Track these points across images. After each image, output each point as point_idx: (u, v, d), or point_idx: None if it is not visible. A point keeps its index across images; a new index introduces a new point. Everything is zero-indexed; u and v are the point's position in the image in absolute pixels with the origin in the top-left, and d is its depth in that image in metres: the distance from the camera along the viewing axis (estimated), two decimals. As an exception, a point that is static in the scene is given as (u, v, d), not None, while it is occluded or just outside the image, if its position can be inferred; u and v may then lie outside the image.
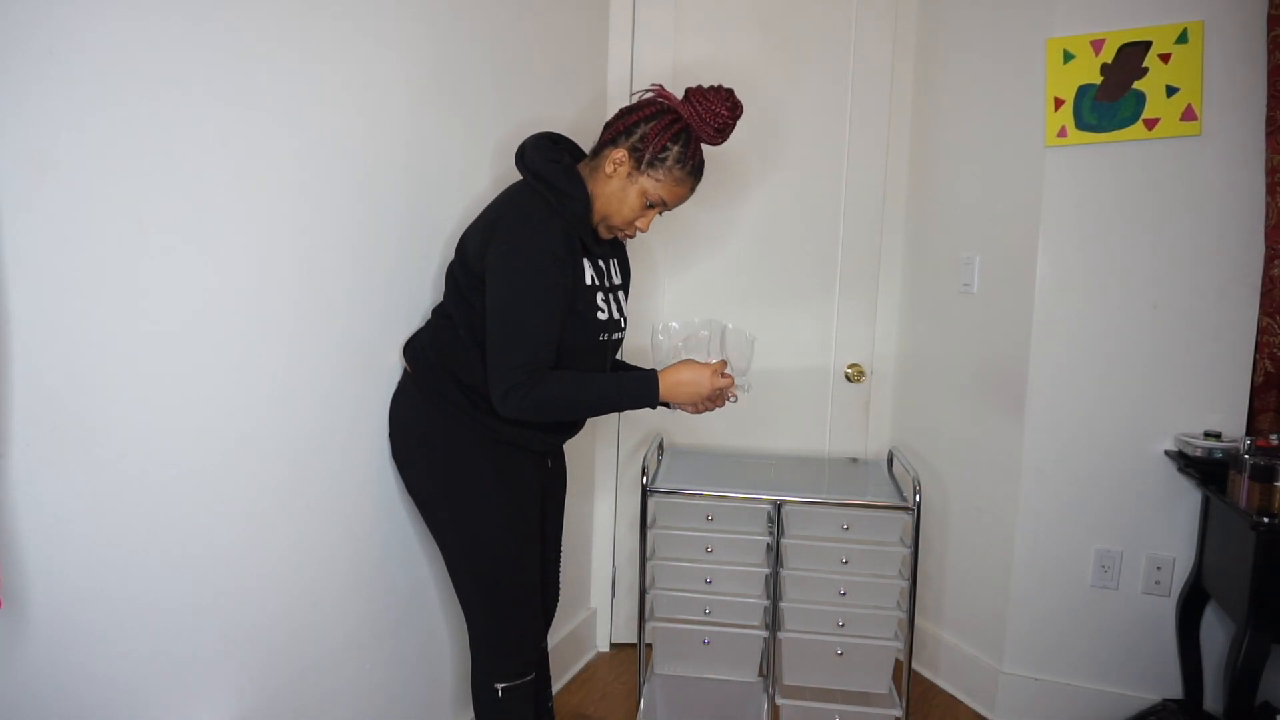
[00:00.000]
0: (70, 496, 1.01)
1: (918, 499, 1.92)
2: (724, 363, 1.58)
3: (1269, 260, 1.92)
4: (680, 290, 2.51)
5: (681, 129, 1.49)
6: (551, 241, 1.44)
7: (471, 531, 1.54)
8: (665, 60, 2.43)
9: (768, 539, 2.01)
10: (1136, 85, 1.97)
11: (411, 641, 1.72)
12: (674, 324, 1.68)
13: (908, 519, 1.96)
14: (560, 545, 1.82)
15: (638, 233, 1.58)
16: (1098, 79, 2.00)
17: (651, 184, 1.51)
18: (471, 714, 1.70)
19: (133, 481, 1.08)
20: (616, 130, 1.51)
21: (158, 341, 1.10)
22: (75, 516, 1.02)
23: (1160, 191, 1.99)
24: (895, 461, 2.31)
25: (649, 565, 2.04)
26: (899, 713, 1.96)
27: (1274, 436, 1.80)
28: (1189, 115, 1.94)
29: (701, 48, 2.44)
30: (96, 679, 1.07)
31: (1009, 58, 2.17)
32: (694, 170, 1.53)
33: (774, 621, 2.00)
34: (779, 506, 2.00)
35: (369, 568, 1.57)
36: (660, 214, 1.58)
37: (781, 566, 2.00)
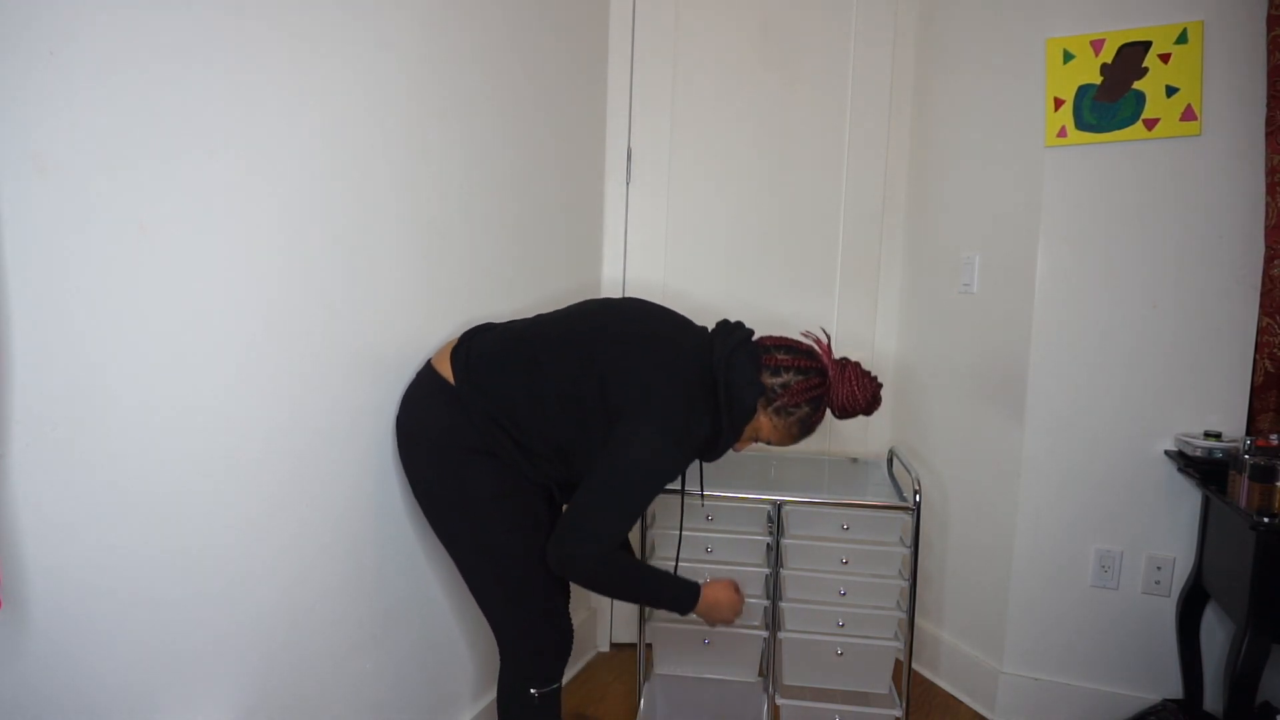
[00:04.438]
0: (70, 496, 1.01)
1: (918, 499, 1.92)
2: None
3: (1269, 260, 1.92)
4: (680, 290, 2.51)
5: (820, 395, 1.52)
6: (697, 436, 1.47)
7: (485, 541, 1.53)
8: (665, 60, 2.43)
9: (768, 539, 2.01)
10: (1136, 85, 1.97)
11: (411, 641, 1.72)
12: None
13: (908, 519, 1.96)
14: None
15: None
16: (1098, 79, 2.00)
17: (768, 426, 1.54)
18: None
19: (132, 481, 1.08)
20: (764, 363, 1.52)
21: (157, 341, 1.10)
22: (75, 516, 1.02)
23: (1160, 191, 1.99)
24: (895, 461, 2.31)
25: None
26: (899, 713, 1.96)
27: (1274, 436, 1.80)
28: (1189, 115, 1.94)
29: (702, 48, 2.44)
30: (97, 679, 1.07)
31: (1009, 58, 2.17)
32: (808, 432, 1.56)
33: (774, 621, 2.00)
34: (779, 506, 1.99)
35: (369, 566, 1.57)
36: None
37: (781, 566, 2.00)
